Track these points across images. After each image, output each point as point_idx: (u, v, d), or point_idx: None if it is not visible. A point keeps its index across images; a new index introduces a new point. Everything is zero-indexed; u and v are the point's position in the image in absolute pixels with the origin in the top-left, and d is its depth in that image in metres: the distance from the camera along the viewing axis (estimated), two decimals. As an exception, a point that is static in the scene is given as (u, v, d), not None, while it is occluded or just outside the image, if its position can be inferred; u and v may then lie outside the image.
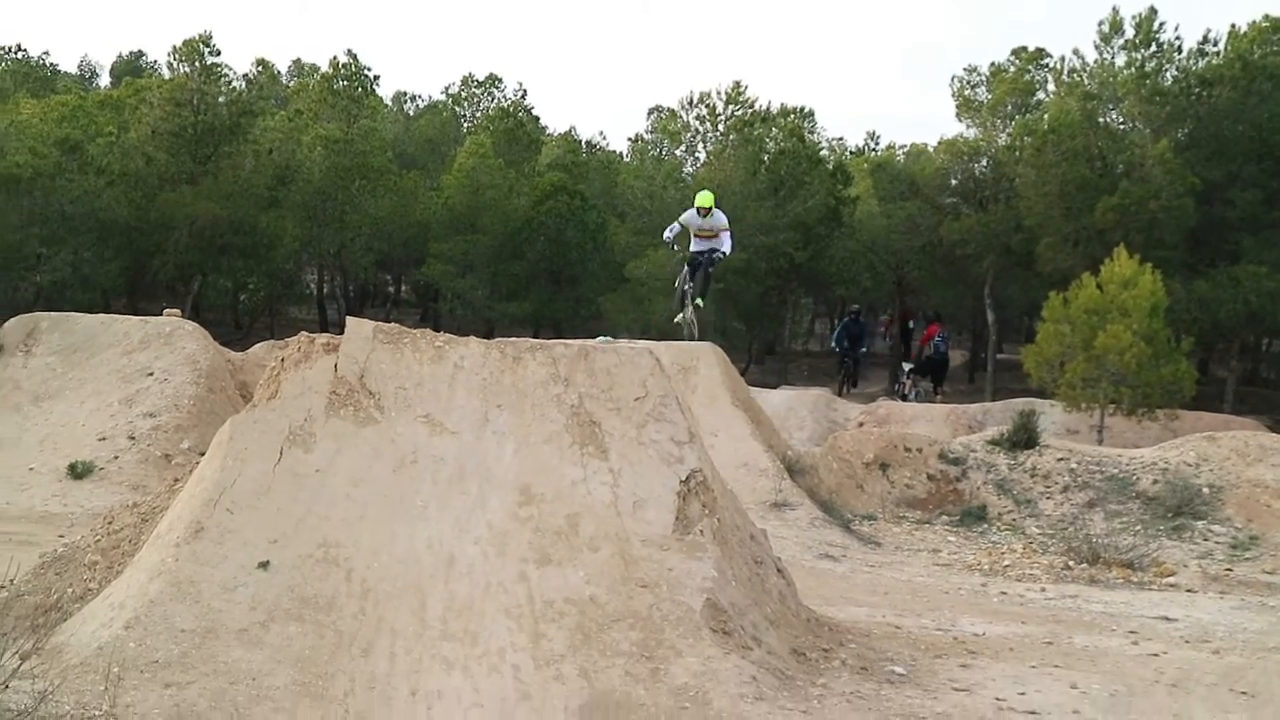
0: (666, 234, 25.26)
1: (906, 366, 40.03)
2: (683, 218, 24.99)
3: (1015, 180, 46.86)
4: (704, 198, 24.79)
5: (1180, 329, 30.25)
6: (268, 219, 49.49)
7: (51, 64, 76.37)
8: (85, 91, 64.74)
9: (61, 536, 14.43)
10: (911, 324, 44.70)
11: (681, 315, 25.98)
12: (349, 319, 12.54)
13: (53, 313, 28.21)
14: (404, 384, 11.54)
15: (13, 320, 27.57)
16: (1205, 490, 20.96)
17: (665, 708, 9.11)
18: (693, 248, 25.15)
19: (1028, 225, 45.05)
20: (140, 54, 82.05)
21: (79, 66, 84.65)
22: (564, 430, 11.41)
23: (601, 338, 19.12)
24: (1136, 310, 28.27)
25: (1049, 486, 21.73)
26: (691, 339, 24.99)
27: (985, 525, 20.88)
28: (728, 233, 24.97)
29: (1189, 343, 29.53)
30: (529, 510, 10.60)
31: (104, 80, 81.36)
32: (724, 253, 25.25)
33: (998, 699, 10.39)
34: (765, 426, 24.32)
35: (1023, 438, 22.92)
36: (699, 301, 25.42)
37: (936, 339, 38.84)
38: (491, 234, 51.83)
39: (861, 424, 30.90)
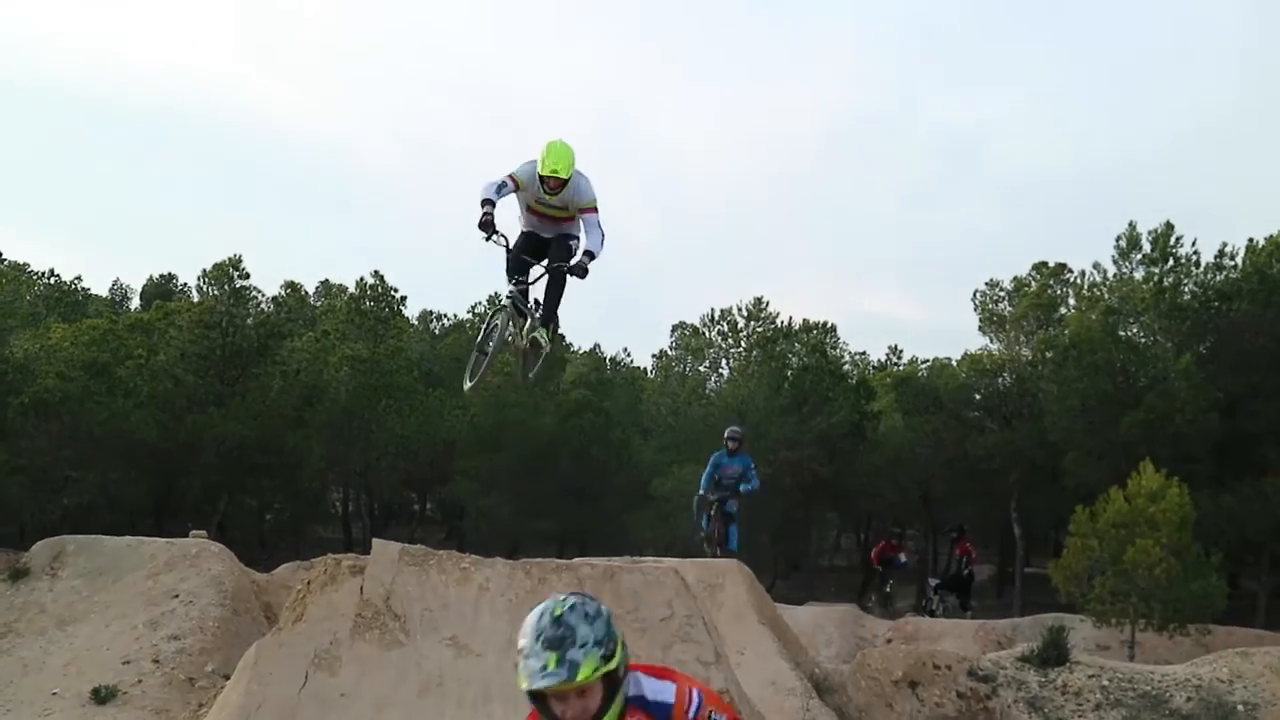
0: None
1: (933, 582, 39.74)
2: (517, 171, 13.38)
3: (1039, 394, 47.01)
4: (555, 154, 12.98)
5: (1209, 543, 30.05)
6: (294, 439, 49.72)
7: (84, 288, 77.49)
8: (116, 315, 65.54)
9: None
10: (904, 558, 43.64)
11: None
12: (375, 541, 12.59)
13: (80, 535, 28.27)
14: (430, 606, 11.55)
15: (40, 544, 27.67)
16: (1240, 708, 20.68)
17: None
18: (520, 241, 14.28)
19: (1052, 439, 45.07)
20: (171, 276, 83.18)
21: (110, 290, 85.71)
22: (590, 654, 11.36)
23: None
24: (1165, 524, 28.14)
25: (1081, 704, 21.44)
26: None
27: (1014, 745, 20.58)
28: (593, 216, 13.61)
29: (1219, 557, 29.33)
30: (555, 735, 10.52)
31: (135, 303, 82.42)
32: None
33: None
34: (792, 644, 24.12)
35: (1053, 654, 22.68)
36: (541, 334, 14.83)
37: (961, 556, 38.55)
38: (517, 451, 51.97)
39: (890, 640, 30.60)
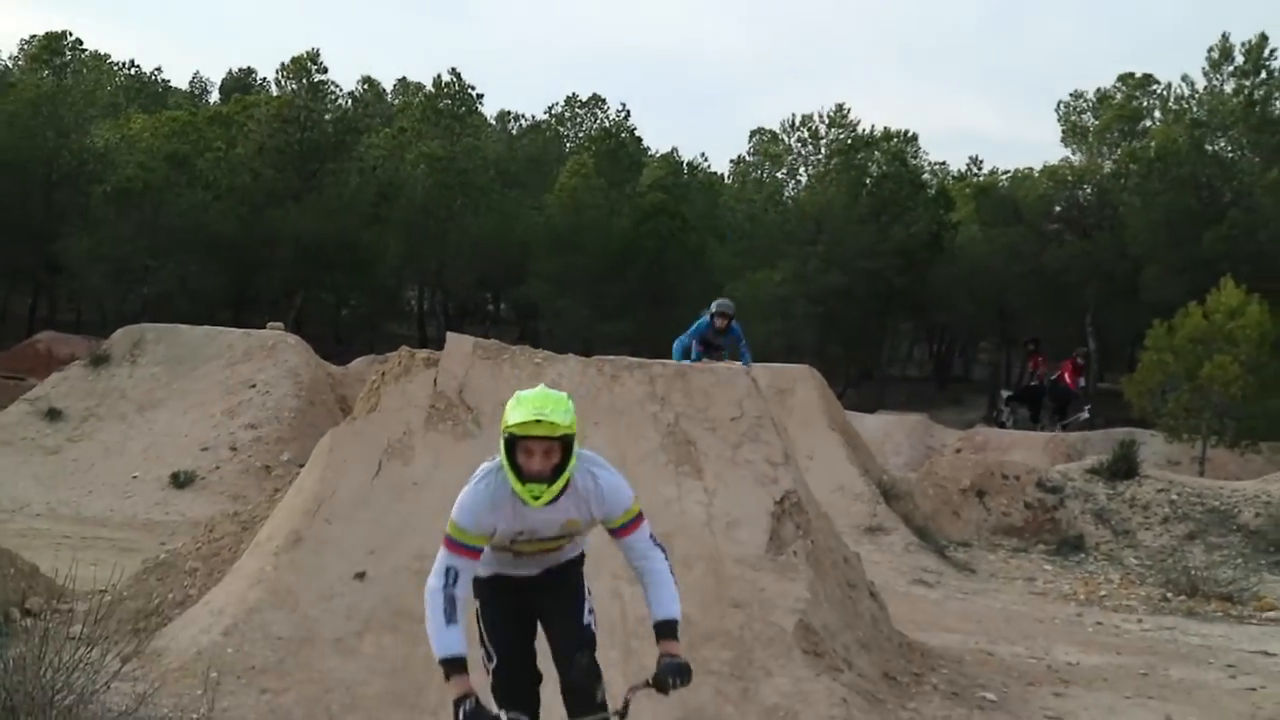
0: None
1: (1005, 393, 39.59)
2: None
3: (1120, 208, 46.43)
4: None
5: (1288, 360, 29.73)
6: (370, 235, 49.96)
7: (164, 80, 77.53)
8: (195, 108, 65.61)
9: (163, 544, 14.68)
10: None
11: None
12: (449, 335, 12.64)
13: (158, 324, 28.65)
14: (502, 399, 11.52)
15: (120, 331, 28.09)
16: (1309, 524, 20.63)
17: (757, 729, 9.10)
18: None
19: (1132, 253, 44.59)
20: (250, 70, 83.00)
21: (190, 83, 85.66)
22: (659, 449, 11.43)
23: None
24: (1244, 341, 27.86)
25: (1148, 517, 21.46)
26: None
27: (1082, 555, 20.65)
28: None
29: (1298, 375, 29.05)
30: (624, 527, 10.63)
31: (214, 96, 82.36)
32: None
33: (1090, 729, 10.30)
34: (861, 451, 24.23)
35: (1122, 468, 22.65)
36: None
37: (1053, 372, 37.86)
38: (592, 254, 51.90)
39: (959, 450, 30.66)
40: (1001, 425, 35.85)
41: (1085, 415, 33.80)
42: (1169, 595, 17.77)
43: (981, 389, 55.97)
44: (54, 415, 25.15)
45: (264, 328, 29.22)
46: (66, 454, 23.81)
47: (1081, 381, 35.09)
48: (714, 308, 18.24)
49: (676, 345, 17.94)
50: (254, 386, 25.20)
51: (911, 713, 10.08)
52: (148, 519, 20.11)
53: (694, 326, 18.23)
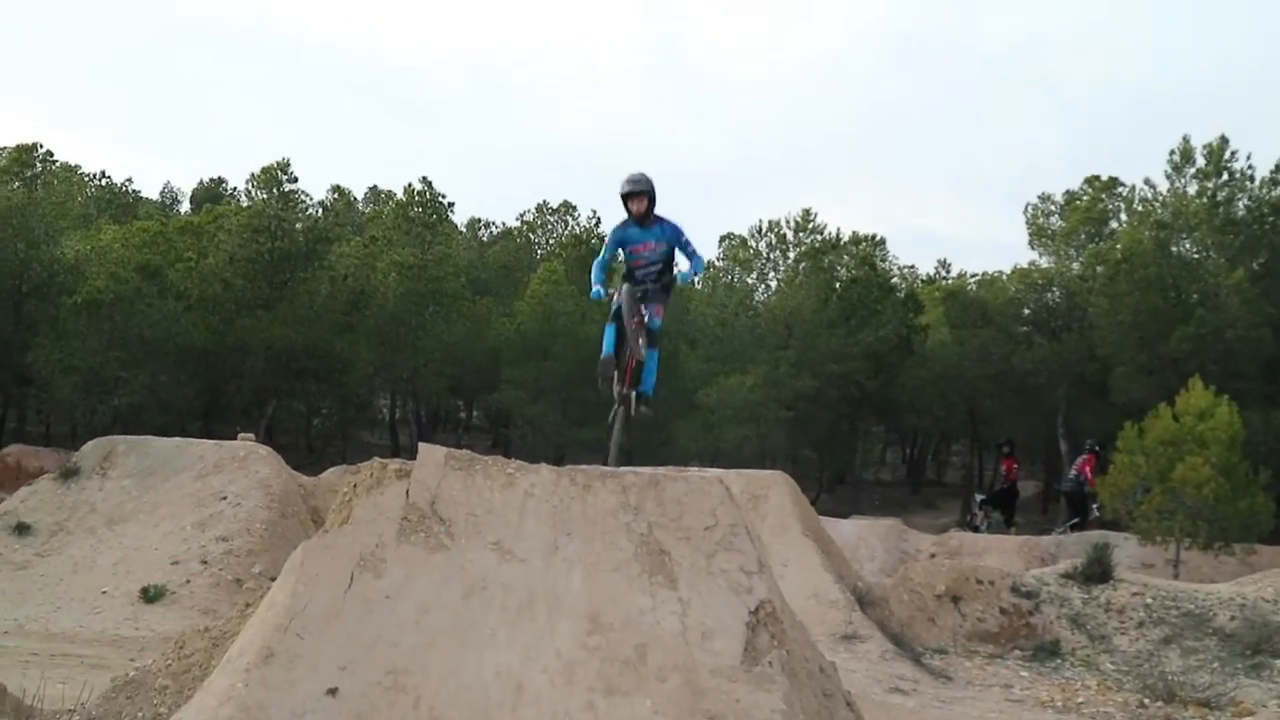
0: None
1: (979, 497, 39.66)
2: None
3: (1088, 309, 46.78)
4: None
5: (1257, 461, 29.82)
6: (342, 344, 49.96)
7: (134, 190, 77.85)
8: (166, 217, 65.81)
9: (133, 660, 14.52)
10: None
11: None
12: (421, 445, 12.62)
13: (129, 436, 28.56)
14: (475, 511, 11.58)
15: (90, 443, 27.97)
16: (1284, 627, 20.61)
17: (732, 843, 9.01)
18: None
19: (1101, 354, 44.91)
20: (221, 180, 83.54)
21: (161, 193, 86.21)
22: (633, 559, 11.39)
23: None
24: (1214, 442, 27.95)
25: (1124, 622, 21.44)
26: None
27: (1059, 661, 20.60)
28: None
29: (1267, 475, 29.13)
30: (597, 639, 10.57)
31: (185, 206, 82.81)
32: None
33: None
34: (836, 557, 24.20)
35: (1097, 571, 22.67)
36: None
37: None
38: (563, 360, 51.95)
39: (933, 555, 30.61)
40: (975, 529, 35.87)
41: (1096, 513, 33.83)
42: (1146, 701, 17.73)
43: (954, 492, 56.06)
44: (22, 530, 24.95)
45: (235, 438, 29.13)
46: (35, 569, 23.59)
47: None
48: (624, 186, 13.23)
49: (595, 267, 13.85)
50: (225, 498, 25.08)
51: (890, 826, 10.00)
52: (117, 635, 19.90)
53: (609, 238, 13.79)
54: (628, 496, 11.98)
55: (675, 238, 13.40)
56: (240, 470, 25.89)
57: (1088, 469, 34.43)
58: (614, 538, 11.56)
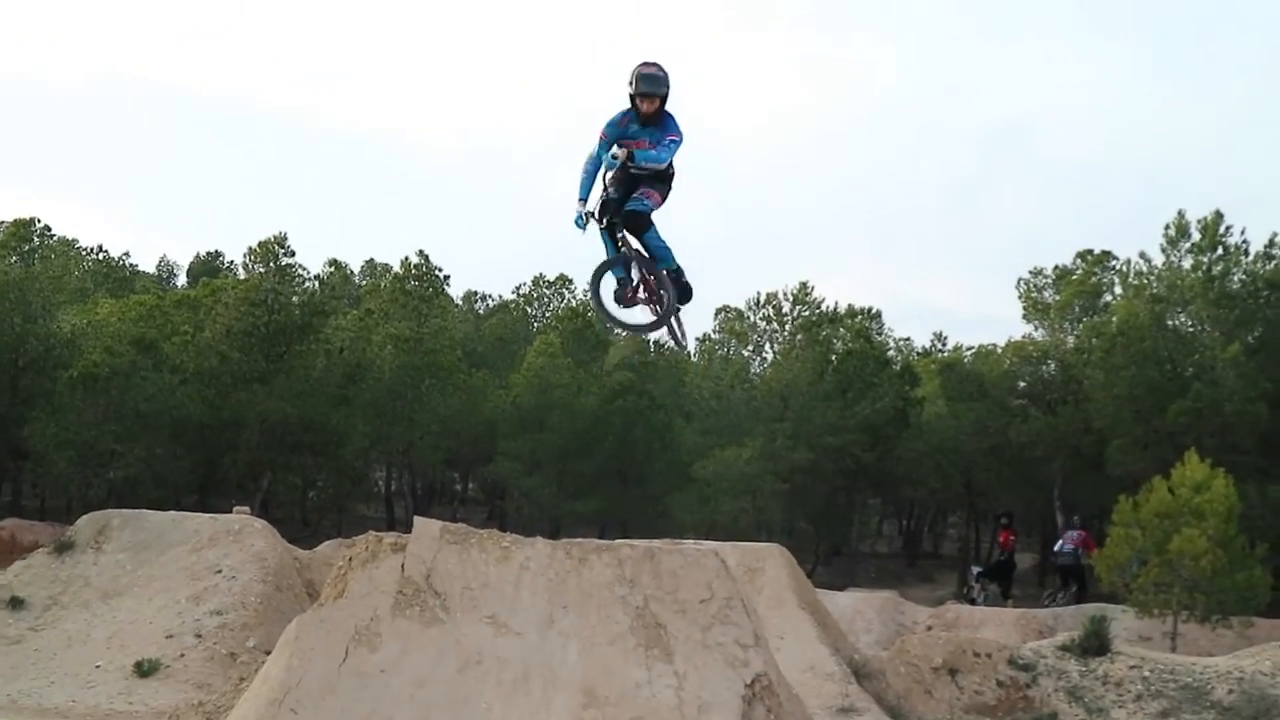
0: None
1: (976, 569, 39.56)
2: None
3: (1084, 382, 46.82)
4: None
5: (1254, 534, 29.79)
6: (338, 417, 49.88)
7: (131, 264, 78.02)
8: (163, 291, 65.95)
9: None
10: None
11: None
12: (417, 519, 12.64)
13: (124, 510, 28.51)
14: (470, 584, 11.59)
15: (85, 518, 27.94)
16: (1283, 700, 20.53)
17: None
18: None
19: (1097, 427, 44.87)
20: (217, 254, 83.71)
21: (158, 266, 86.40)
22: (629, 632, 11.39)
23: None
24: (1210, 515, 27.93)
25: (1121, 695, 21.35)
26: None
27: (1057, 734, 20.50)
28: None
29: (1264, 549, 29.08)
30: (593, 713, 10.55)
31: (181, 280, 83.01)
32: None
33: None
34: (832, 629, 24.11)
35: (1094, 644, 22.58)
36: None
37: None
38: (560, 432, 51.92)
39: (930, 627, 30.51)
40: (972, 602, 35.77)
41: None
42: (1145, 774, 17.65)
43: (951, 565, 55.87)
44: (16, 604, 24.86)
45: (230, 511, 29.09)
46: (29, 644, 23.50)
47: None
48: (636, 81, 12.01)
49: (586, 165, 12.35)
50: (220, 572, 25.03)
51: None
52: (111, 709, 19.83)
53: (608, 122, 12.21)
54: (623, 569, 12.00)
55: (673, 129, 12.12)
56: (235, 544, 25.84)
57: (1084, 542, 34.50)
58: (610, 611, 11.57)
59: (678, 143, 12.10)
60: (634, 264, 12.72)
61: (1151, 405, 41.89)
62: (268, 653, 13.62)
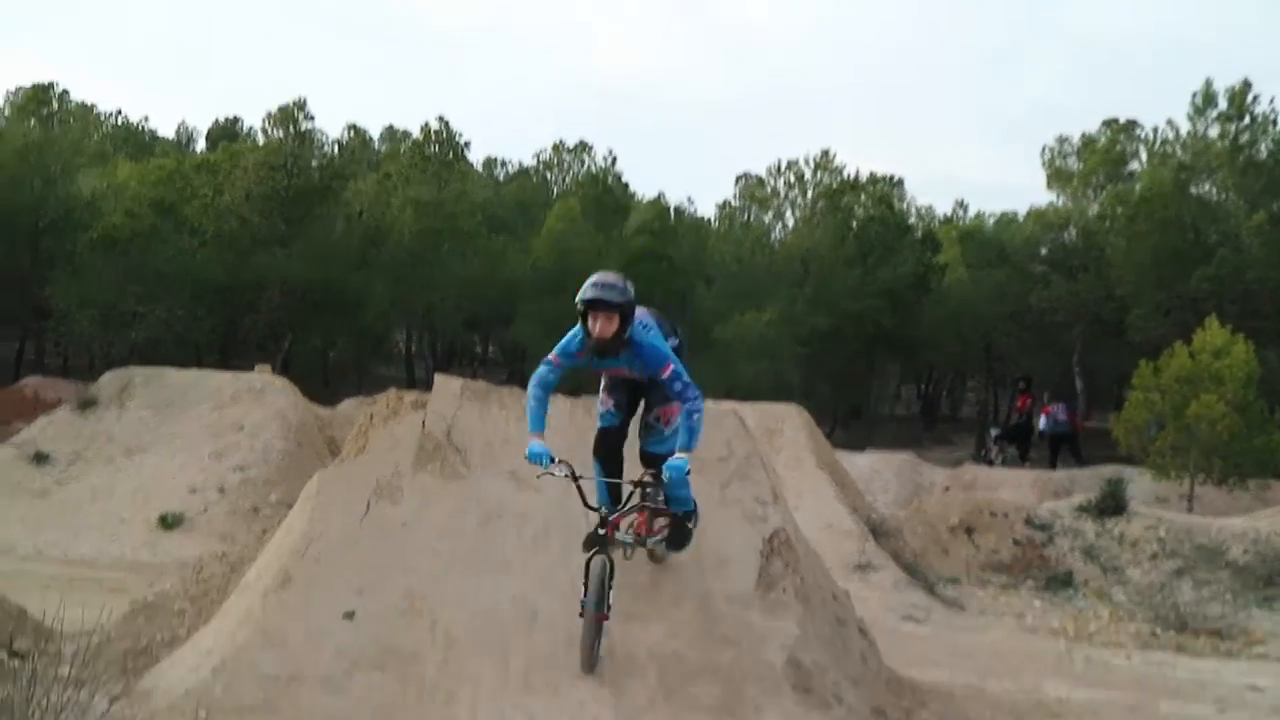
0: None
1: (994, 432, 39.67)
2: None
3: (1106, 249, 46.64)
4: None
5: (1273, 399, 29.82)
6: (357, 280, 49.94)
7: (150, 129, 77.83)
8: (182, 155, 65.74)
9: (151, 585, 14.62)
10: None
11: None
12: (437, 376, 12.66)
13: (147, 367, 28.67)
14: (490, 440, 11.62)
15: (108, 374, 28.11)
16: (1297, 560, 20.64)
17: (746, 764, 9.10)
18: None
19: (1118, 294, 44.79)
20: (236, 119, 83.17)
21: (176, 131, 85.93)
22: (648, 488, 11.44)
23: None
24: (1230, 380, 27.94)
25: (1137, 554, 21.46)
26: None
27: (1071, 591, 20.65)
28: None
29: (1282, 412, 29.16)
30: (611, 567, 10.64)
31: (200, 145, 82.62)
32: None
33: (1080, 763, 10.30)
34: (850, 489, 24.25)
35: (1111, 504, 22.67)
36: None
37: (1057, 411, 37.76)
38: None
39: (947, 489, 30.66)
40: (990, 463, 35.91)
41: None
42: (1158, 631, 17.79)
43: (969, 428, 56.05)
44: (41, 459, 25.13)
45: (252, 371, 29.24)
46: (54, 497, 23.80)
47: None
48: (584, 292, 9.09)
49: (533, 390, 9.52)
50: (242, 429, 25.23)
51: (901, 748, 10.08)
52: (135, 560, 20.09)
53: (560, 347, 9.59)
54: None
55: (655, 369, 9.11)
56: (257, 401, 26.03)
57: (1071, 416, 35.06)
58: (629, 467, 11.62)
59: (680, 375, 9.00)
60: (637, 493, 9.46)
61: (1174, 272, 41.78)
62: (289, 507, 13.74)
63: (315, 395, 32.68)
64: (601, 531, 9.21)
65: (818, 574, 12.20)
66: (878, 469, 33.01)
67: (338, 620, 9.99)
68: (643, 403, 9.90)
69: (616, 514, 9.40)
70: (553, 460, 9.00)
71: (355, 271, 50.41)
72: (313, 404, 28.54)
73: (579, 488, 9.29)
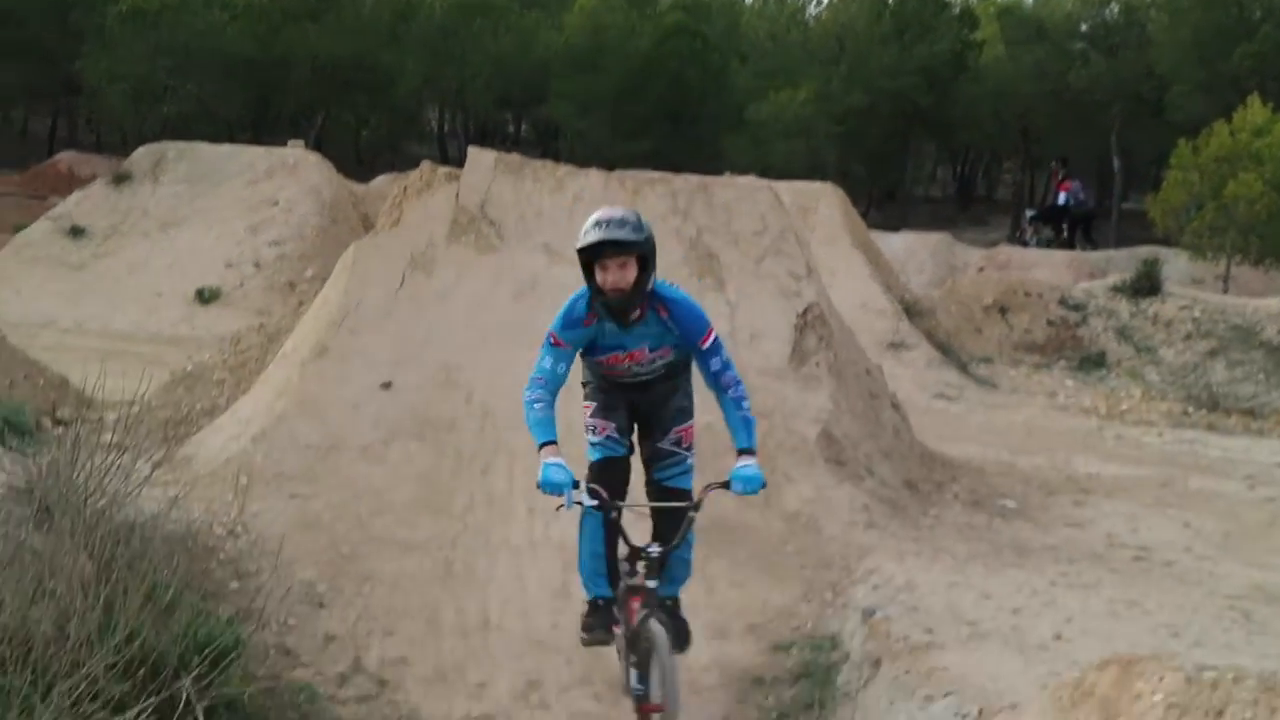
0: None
1: (1029, 213, 39.38)
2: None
3: (1147, 26, 45.78)
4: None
5: (1314, 179, 29.47)
6: (389, 56, 49.45)
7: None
8: (210, -74, 64.71)
9: (189, 357, 14.77)
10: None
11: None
12: (471, 148, 12.63)
13: (180, 142, 28.59)
14: (524, 213, 11.62)
15: (141, 149, 28.05)
16: (1331, 340, 20.61)
17: (777, 532, 9.23)
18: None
19: (1158, 72, 44.06)
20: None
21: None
22: (682, 262, 11.44)
23: None
24: (1269, 159, 27.60)
25: (1170, 334, 21.43)
26: None
27: (1104, 371, 20.68)
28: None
29: (1321, 193, 28.82)
30: (646, 339, 10.70)
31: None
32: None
33: (1109, 534, 10.42)
34: (884, 269, 24.22)
35: (1145, 285, 22.56)
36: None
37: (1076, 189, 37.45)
38: (612, 73, 51.17)
39: (982, 269, 30.57)
40: (1025, 244, 35.75)
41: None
42: (1190, 410, 17.88)
43: (1004, 209, 55.65)
44: (77, 233, 25.23)
45: (285, 147, 29.15)
46: (91, 270, 23.97)
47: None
48: (587, 234, 6.29)
49: (532, 390, 6.52)
50: (276, 204, 25.25)
51: (932, 520, 10.21)
52: (174, 334, 20.29)
53: (558, 320, 6.58)
54: (677, 201, 12.00)
55: (695, 334, 6.59)
56: (291, 177, 26.00)
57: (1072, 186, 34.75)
58: (664, 241, 11.53)
59: (722, 347, 6.67)
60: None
61: (1216, 49, 40.99)
62: (325, 282, 13.81)
63: (349, 172, 32.56)
64: (651, 584, 6.29)
65: (851, 349, 12.24)
66: (913, 249, 32.89)
67: (375, 391, 10.11)
68: (637, 426, 7.00)
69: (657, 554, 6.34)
70: (576, 485, 6.10)
71: (386, 48, 49.88)
72: (346, 180, 28.50)
73: (618, 524, 6.41)
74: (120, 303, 22.35)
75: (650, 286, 6.39)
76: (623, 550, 6.41)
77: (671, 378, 6.88)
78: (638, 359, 6.65)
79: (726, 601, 8.51)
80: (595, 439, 6.81)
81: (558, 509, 6.15)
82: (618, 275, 6.19)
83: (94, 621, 5.96)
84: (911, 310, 21.52)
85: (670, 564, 6.54)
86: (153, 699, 5.86)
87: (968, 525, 10.22)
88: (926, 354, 19.87)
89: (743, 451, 6.44)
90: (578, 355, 6.67)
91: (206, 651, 6.29)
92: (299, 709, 7.07)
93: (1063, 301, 22.42)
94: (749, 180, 14.24)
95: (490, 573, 8.59)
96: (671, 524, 6.42)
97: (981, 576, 8.75)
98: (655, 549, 6.29)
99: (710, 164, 46.70)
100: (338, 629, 7.96)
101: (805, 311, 11.25)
